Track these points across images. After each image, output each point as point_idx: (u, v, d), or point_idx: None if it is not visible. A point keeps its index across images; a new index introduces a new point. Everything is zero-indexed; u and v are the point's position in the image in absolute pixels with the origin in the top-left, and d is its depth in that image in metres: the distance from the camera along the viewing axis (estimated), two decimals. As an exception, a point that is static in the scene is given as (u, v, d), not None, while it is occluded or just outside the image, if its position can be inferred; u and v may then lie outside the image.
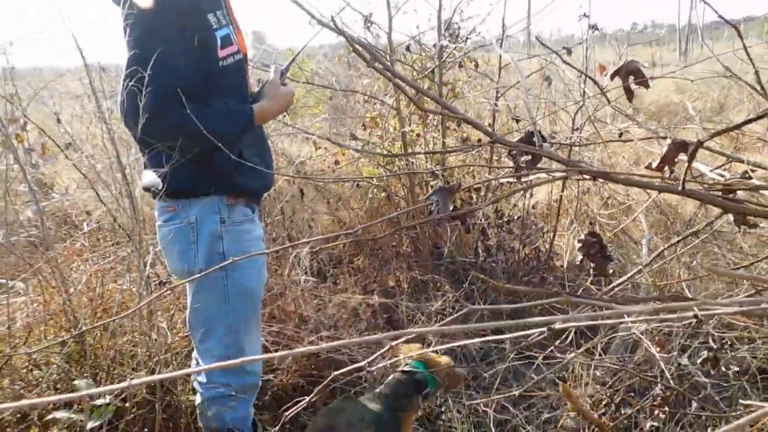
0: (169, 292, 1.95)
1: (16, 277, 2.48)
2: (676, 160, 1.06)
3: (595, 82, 1.36)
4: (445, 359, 1.95)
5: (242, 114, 1.61)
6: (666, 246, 1.32)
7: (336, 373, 0.96)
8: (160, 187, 1.54)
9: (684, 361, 2.19)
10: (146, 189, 1.63)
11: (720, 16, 1.11)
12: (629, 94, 1.11)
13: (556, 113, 3.55)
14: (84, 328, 1.98)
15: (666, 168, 1.08)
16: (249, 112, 1.62)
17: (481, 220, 3.28)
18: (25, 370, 2.08)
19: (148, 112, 1.41)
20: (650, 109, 7.95)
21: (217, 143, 1.41)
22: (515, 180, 1.04)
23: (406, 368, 1.88)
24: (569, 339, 2.21)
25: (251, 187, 1.70)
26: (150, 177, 1.57)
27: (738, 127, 0.91)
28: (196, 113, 1.42)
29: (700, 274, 2.79)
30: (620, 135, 2.53)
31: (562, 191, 3.31)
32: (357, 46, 0.91)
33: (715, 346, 1.70)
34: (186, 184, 1.59)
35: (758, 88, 1.10)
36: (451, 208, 0.93)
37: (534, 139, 1.05)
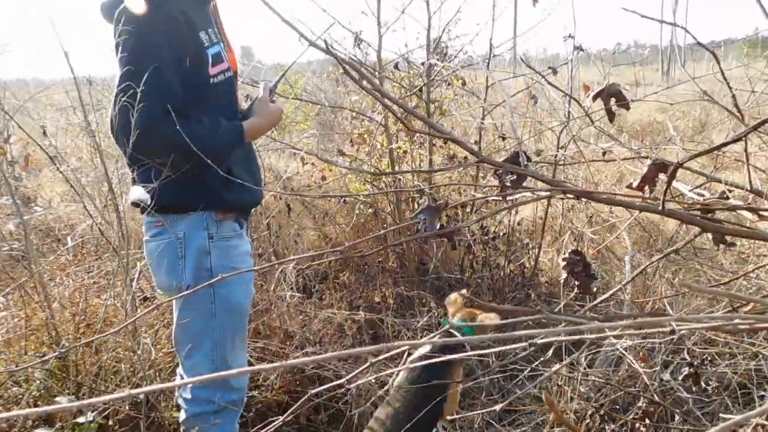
0: (155, 308, 1.94)
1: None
2: (656, 180, 1.09)
3: (580, 104, 1.40)
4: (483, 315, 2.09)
5: (232, 130, 1.62)
6: (648, 263, 1.35)
7: (314, 390, 0.96)
8: (149, 202, 1.54)
9: (666, 376, 2.22)
10: (135, 204, 1.63)
11: (698, 42, 1.15)
12: (611, 116, 1.14)
13: (542, 132, 3.61)
14: (67, 345, 1.95)
15: (646, 187, 1.11)
16: (239, 128, 1.63)
17: (466, 237, 3.31)
18: (3, 387, 2.05)
19: (139, 128, 1.41)
20: (634, 128, 8.09)
21: (207, 159, 1.41)
22: (501, 198, 1.07)
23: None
24: (554, 354, 2.22)
25: (240, 202, 1.71)
26: (138, 192, 1.57)
27: (715, 149, 0.94)
28: (186, 130, 1.43)
29: (682, 291, 2.83)
30: (603, 154, 2.58)
31: (547, 209, 3.35)
32: (347, 67, 0.93)
33: (695, 362, 1.73)
34: (175, 199, 1.59)
35: (735, 111, 1.14)
36: (438, 225, 0.95)
37: (519, 159, 1.08)
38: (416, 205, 3.49)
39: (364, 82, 1.15)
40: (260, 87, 1.81)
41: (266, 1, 1.26)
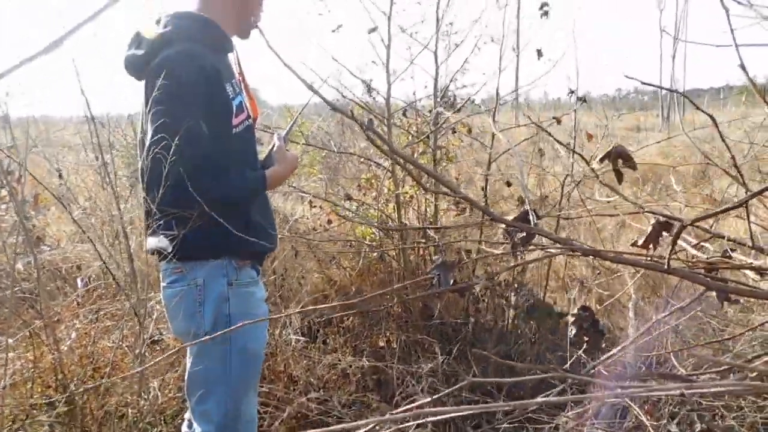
0: (168, 355, 1.95)
1: (3, 332, 2.46)
2: (660, 238, 1.13)
3: (585, 160, 1.45)
4: None
5: (257, 180, 1.68)
6: (652, 322, 1.38)
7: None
8: (169, 250, 1.57)
9: (673, 428, 2.21)
10: (154, 252, 1.66)
11: (696, 106, 1.21)
12: (619, 177, 1.19)
13: (545, 179, 3.66)
14: (74, 389, 1.96)
15: (651, 246, 1.14)
16: (262, 178, 1.69)
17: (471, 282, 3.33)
18: (7, 431, 2.04)
19: (172, 181, 1.45)
20: (634, 175, 8.17)
21: (233, 209, 1.46)
22: (511, 255, 1.10)
23: None
24: (560, 405, 2.21)
25: (259, 248, 1.74)
26: (158, 239, 1.60)
27: (717, 214, 0.98)
28: (216, 181, 1.48)
29: (686, 340, 2.83)
30: (607, 200, 2.63)
31: (551, 258, 3.37)
32: (370, 135, 0.98)
33: (706, 416, 1.73)
34: (196, 246, 1.61)
35: (734, 171, 1.18)
36: (452, 281, 0.99)
37: (529, 216, 1.12)
38: (422, 251, 3.52)
39: (390, 151, 1.20)
40: (274, 137, 1.87)
41: (276, 51, 1.32)
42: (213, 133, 1.57)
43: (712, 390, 0.63)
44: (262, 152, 1.96)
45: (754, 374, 0.76)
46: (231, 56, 1.79)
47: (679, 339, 2.96)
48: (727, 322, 3.12)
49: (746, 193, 1.33)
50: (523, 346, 3.25)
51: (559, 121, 3.02)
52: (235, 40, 1.79)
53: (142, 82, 1.63)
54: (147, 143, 1.50)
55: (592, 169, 1.54)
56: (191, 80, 1.53)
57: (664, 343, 2.64)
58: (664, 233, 1.18)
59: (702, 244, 1.53)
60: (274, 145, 1.84)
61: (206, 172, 1.47)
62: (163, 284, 1.71)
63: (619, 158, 1.18)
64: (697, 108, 1.21)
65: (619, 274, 3.46)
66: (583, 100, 2.94)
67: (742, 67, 0.92)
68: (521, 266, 3.22)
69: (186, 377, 1.72)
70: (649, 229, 1.14)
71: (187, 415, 1.82)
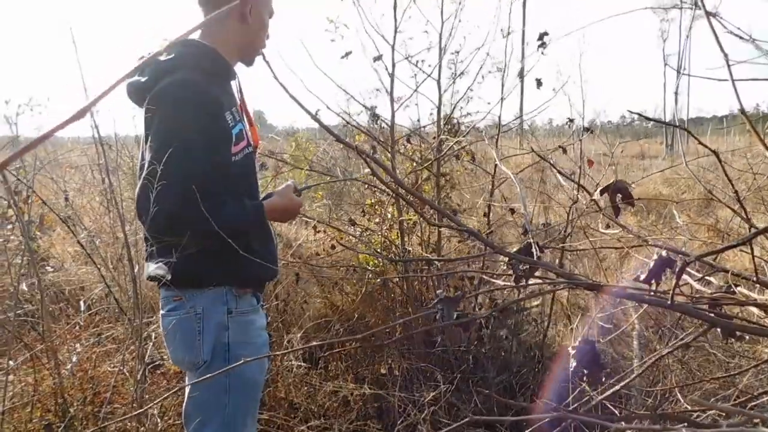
0: (164, 379, 1.94)
1: (4, 354, 2.45)
2: (663, 274, 1.13)
3: (589, 192, 1.45)
4: None
5: (255, 210, 1.66)
6: (655, 357, 1.37)
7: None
8: (168, 277, 1.56)
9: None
10: (152, 278, 1.65)
11: (700, 142, 1.21)
12: (616, 212, 1.19)
13: (550, 206, 3.67)
14: (73, 413, 1.95)
15: (654, 281, 1.14)
16: (261, 209, 1.67)
17: (475, 310, 3.31)
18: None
19: (161, 208, 1.44)
20: (640, 202, 8.19)
21: (230, 239, 1.46)
22: (515, 287, 1.10)
23: None
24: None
25: (259, 277, 1.73)
26: (156, 266, 1.60)
27: (721, 251, 0.98)
28: (212, 212, 1.46)
29: (692, 371, 2.81)
30: (607, 226, 2.63)
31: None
32: (375, 168, 0.99)
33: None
34: (195, 274, 1.61)
35: (738, 208, 1.19)
36: (455, 316, 0.99)
37: (531, 249, 1.12)
38: (424, 278, 3.51)
39: (396, 187, 1.21)
40: (287, 183, 1.83)
41: (281, 82, 1.34)
42: (211, 161, 1.56)
43: (717, 433, 0.62)
44: (264, 176, 1.94)
45: (758, 421, 0.75)
46: (234, 83, 1.80)
47: (685, 370, 2.94)
48: (733, 353, 3.09)
49: (750, 228, 1.34)
50: (525, 376, 3.22)
51: (565, 151, 3.03)
52: (240, 66, 1.80)
53: (143, 109, 1.63)
54: (144, 169, 1.50)
55: (594, 201, 1.54)
56: (189, 108, 1.54)
57: (669, 377, 2.61)
58: (667, 269, 1.17)
59: (707, 278, 1.53)
60: (284, 185, 1.81)
61: (203, 200, 1.46)
62: (162, 312, 1.70)
63: (618, 193, 1.18)
64: (700, 143, 1.22)
65: (622, 307, 3.44)
66: (588, 130, 2.96)
67: (743, 111, 0.93)
68: (524, 299, 3.21)
69: (184, 405, 1.70)
70: (652, 263, 1.14)
71: (186, 442, 1.80)
